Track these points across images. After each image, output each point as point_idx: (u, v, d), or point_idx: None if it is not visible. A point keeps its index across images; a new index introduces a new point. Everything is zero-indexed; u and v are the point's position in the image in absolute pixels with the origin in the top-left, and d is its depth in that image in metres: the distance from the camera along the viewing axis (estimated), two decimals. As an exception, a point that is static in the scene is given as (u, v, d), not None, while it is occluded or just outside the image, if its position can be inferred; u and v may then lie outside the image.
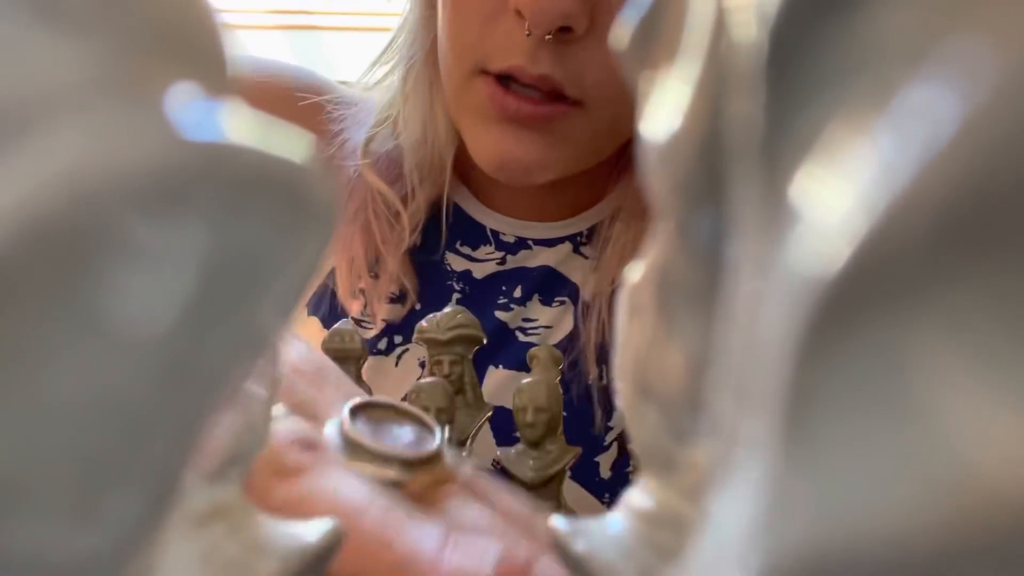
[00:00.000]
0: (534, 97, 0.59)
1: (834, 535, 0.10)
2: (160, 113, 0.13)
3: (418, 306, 0.68)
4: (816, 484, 0.10)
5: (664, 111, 0.18)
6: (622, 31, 0.21)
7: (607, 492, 0.65)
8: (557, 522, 0.26)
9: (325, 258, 0.14)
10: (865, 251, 0.10)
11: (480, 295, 0.69)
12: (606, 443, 0.67)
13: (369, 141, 0.70)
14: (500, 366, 0.67)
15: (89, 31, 0.13)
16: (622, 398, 0.24)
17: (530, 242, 0.71)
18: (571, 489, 0.64)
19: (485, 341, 0.58)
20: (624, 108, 0.58)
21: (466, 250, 0.70)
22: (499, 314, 0.69)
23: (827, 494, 0.10)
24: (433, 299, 0.68)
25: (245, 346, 0.13)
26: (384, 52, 0.72)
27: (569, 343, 0.69)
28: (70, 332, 0.12)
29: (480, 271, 0.70)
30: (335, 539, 0.25)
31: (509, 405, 0.53)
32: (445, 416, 0.49)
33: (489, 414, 0.59)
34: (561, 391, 0.50)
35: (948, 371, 0.10)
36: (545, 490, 0.49)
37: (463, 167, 0.71)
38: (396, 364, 0.68)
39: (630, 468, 0.61)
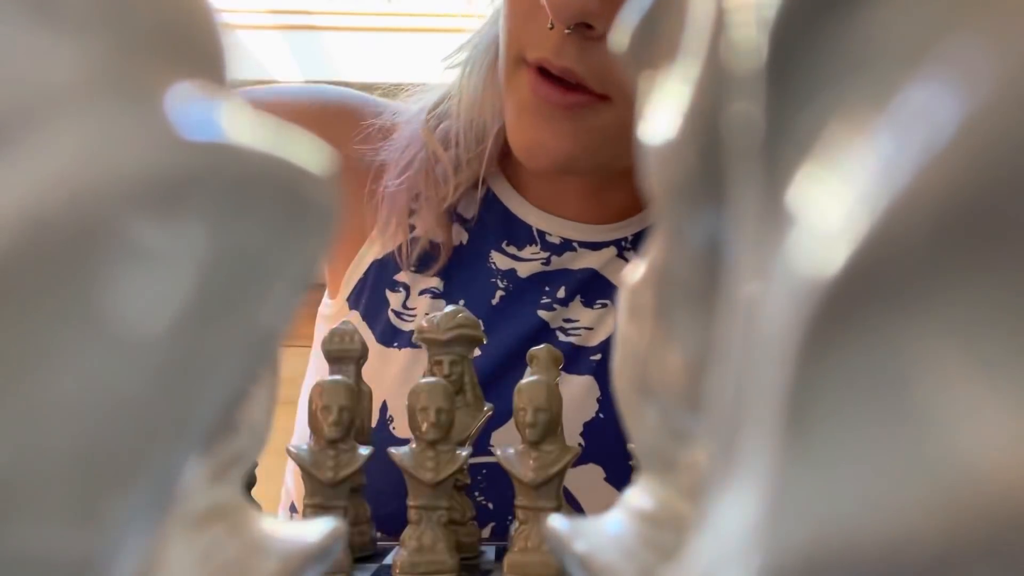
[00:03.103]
0: (562, 87, 0.65)
1: (834, 535, 0.10)
2: (160, 113, 0.13)
3: (461, 301, 0.72)
4: (816, 484, 0.10)
5: (664, 111, 0.18)
6: (622, 31, 0.21)
7: None
8: (557, 522, 0.26)
9: (325, 257, 0.14)
10: (864, 252, 0.10)
11: (523, 293, 0.73)
12: None
13: (433, 109, 0.76)
14: None
15: (89, 31, 0.13)
16: (621, 398, 0.24)
17: (575, 244, 0.74)
18: (606, 492, 0.67)
19: (485, 341, 0.59)
20: None
21: (512, 250, 0.75)
22: (541, 313, 0.73)
23: (827, 494, 0.10)
24: (478, 295, 0.73)
25: (245, 346, 0.13)
26: (463, 45, 0.79)
27: (609, 344, 0.71)
28: (70, 332, 0.12)
29: (525, 270, 0.74)
30: (335, 539, 0.25)
31: None
32: (445, 416, 0.49)
33: (489, 414, 0.59)
34: (560, 392, 0.50)
35: (947, 372, 0.10)
36: (545, 490, 0.49)
37: (513, 167, 0.76)
38: None
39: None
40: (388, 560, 0.52)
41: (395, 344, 0.72)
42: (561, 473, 0.49)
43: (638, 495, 0.24)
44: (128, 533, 0.13)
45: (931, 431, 0.10)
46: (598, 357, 0.71)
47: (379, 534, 0.56)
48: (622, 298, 0.23)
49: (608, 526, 0.25)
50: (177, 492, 0.13)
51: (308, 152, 0.13)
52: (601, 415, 0.68)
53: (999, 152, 0.10)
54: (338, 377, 0.52)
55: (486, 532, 0.66)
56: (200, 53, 0.15)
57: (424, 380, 0.52)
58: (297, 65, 1.40)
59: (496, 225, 0.75)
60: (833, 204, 0.11)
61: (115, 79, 0.13)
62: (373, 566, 0.52)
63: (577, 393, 0.69)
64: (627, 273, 0.23)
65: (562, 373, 0.65)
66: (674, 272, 0.20)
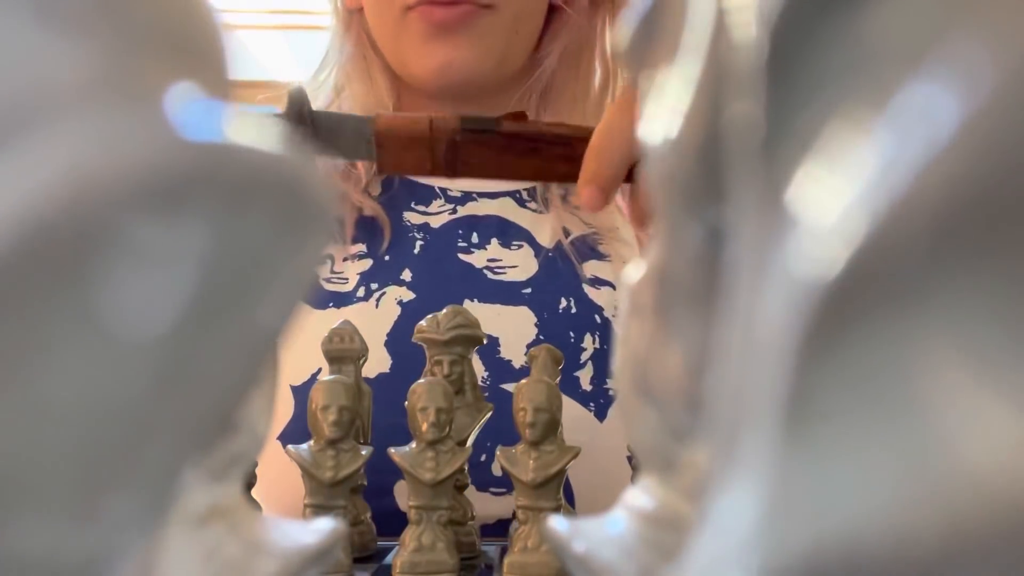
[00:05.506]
0: (450, 4, 0.79)
1: (833, 535, 0.10)
2: (160, 113, 0.13)
3: (386, 257, 0.81)
4: (815, 484, 0.10)
5: (664, 112, 0.18)
6: (622, 31, 0.21)
7: (591, 402, 0.75)
8: (557, 522, 0.27)
9: (324, 256, 0.14)
10: (864, 252, 0.10)
11: (440, 240, 0.83)
12: (582, 361, 0.78)
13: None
14: (475, 300, 0.79)
15: (89, 31, 0.13)
16: (621, 398, 0.24)
17: (474, 195, 0.85)
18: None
19: (485, 341, 0.60)
20: (524, 6, 0.82)
21: (421, 208, 0.86)
22: (462, 256, 0.82)
23: (826, 494, 0.10)
24: (399, 250, 0.81)
25: (246, 346, 0.13)
26: (321, 64, 0.89)
27: (536, 279, 0.82)
28: (70, 332, 0.12)
29: (436, 221, 0.85)
30: (335, 539, 0.25)
31: (489, 331, 0.66)
32: (445, 416, 0.49)
33: (488, 414, 0.59)
34: (560, 393, 0.50)
35: (947, 372, 0.10)
36: (545, 490, 0.49)
37: None
38: (377, 306, 0.78)
39: (607, 384, 0.76)
40: (388, 560, 0.52)
41: (331, 304, 0.78)
42: (561, 473, 0.49)
43: (638, 495, 0.24)
44: (128, 533, 0.13)
45: (931, 431, 0.10)
46: (529, 291, 0.80)
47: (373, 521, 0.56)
48: (622, 298, 0.23)
49: (608, 526, 0.25)
50: (177, 492, 0.13)
51: (306, 152, 0.13)
52: (541, 336, 0.78)
53: (999, 151, 0.10)
54: (338, 377, 0.52)
55: None
56: (200, 53, 0.15)
57: (424, 380, 0.52)
58: (297, 65, 1.40)
59: (401, 192, 0.85)
60: (833, 204, 0.11)
61: (115, 79, 0.13)
62: (373, 566, 0.52)
63: (517, 321, 0.78)
64: (627, 273, 0.23)
65: (499, 306, 0.77)
66: (674, 272, 0.20)
